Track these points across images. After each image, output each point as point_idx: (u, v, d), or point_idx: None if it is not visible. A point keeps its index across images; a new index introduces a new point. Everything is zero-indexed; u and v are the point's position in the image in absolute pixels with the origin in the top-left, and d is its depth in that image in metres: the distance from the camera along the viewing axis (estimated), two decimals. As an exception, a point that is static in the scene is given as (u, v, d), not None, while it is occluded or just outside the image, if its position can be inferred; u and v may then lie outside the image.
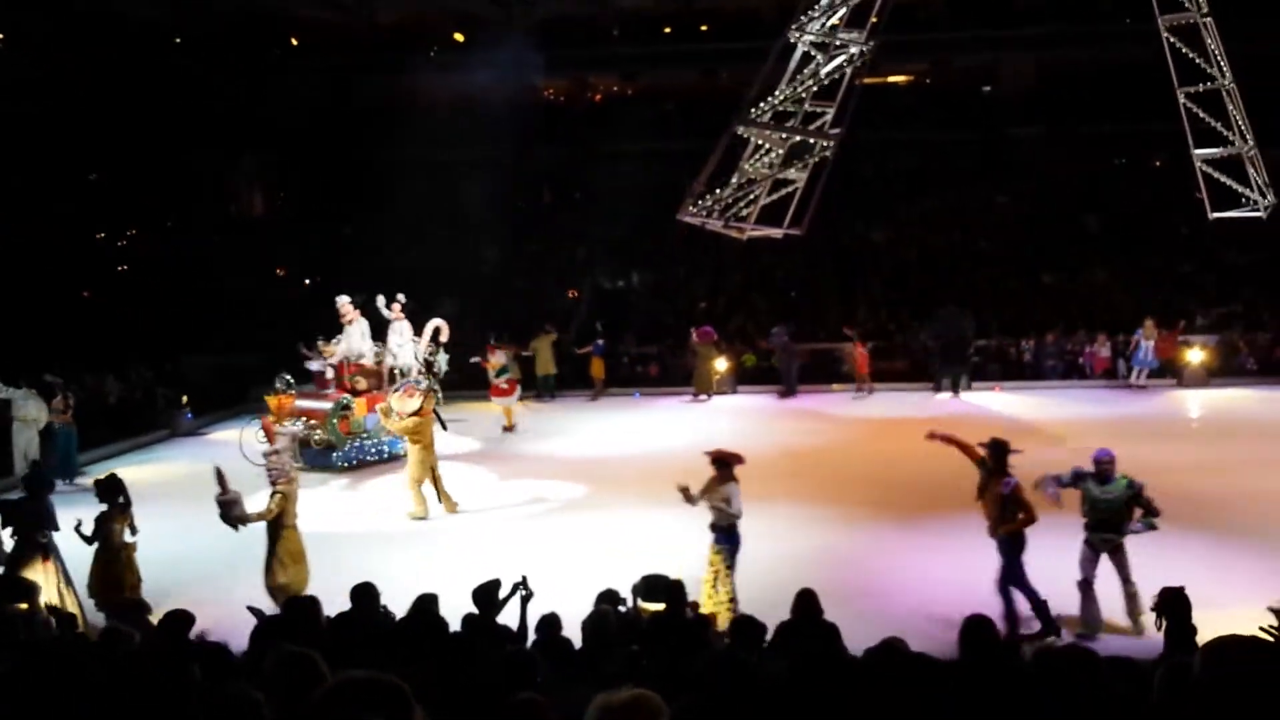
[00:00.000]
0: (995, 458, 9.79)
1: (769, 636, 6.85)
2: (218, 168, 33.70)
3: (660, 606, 7.87)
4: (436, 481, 14.35)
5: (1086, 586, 9.44)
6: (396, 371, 18.35)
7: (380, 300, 18.76)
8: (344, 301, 18.43)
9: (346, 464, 17.50)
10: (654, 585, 8.31)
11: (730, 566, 9.82)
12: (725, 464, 9.97)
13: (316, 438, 17.37)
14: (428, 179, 31.09)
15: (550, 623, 6.97)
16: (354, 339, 18.37)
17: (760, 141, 20.15)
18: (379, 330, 18.73)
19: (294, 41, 37.15)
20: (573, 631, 7.06)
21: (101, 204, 30.36)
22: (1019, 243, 30.00)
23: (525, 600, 7.58)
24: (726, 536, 9.88)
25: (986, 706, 4.53)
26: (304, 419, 17.29)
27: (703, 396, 24.04)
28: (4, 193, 30.53)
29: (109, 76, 27.93)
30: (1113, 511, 9.42)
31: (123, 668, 5.14)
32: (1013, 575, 9.49)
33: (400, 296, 18.87)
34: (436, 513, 14.40)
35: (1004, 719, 4.44)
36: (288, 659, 4.18)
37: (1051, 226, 30.23)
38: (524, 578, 7.65)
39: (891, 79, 35.36)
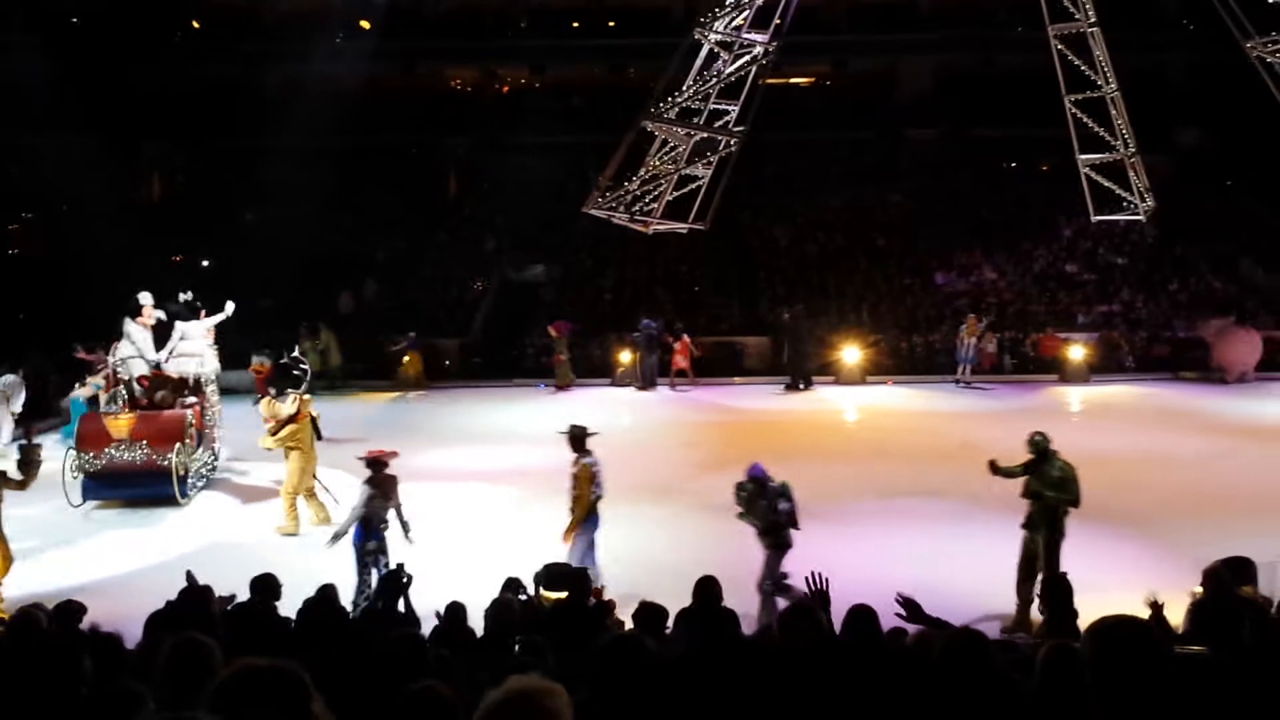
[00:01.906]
0: (574, 442, 10.69)
1: (669, 623, 7.00)
2: (115, 152, 32.57)
3: (562, 595, 7.96)
4: (310, 490, 13.46)
5: (776, 589, 9.84)
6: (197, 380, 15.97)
7: (183, 298, 16.45)
8: (149, 300, 16.02)
9: (195, 489, 15.18)
10: (556, 574, 8.40)
11: (367, 565, 10.20)
12: (379, 463, 10.55)
13: (176, 461, 14.47)
14: (332, 166, 30.60)
15: (454, 611, 7.01)
16: (146, 342, 15.87)
17: (666, 137, 20.37)
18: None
19: (196, 25, 36.16)
20: (473, 620, 7.12)
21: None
22: (913, 241, 30.76)
23: (406, 586, 7.65)
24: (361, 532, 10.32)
25: (872, 691, 4.69)
26: (145, 443, 14.42)
27: (561, 388, 24.46)
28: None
29: (3, 57, 26.79)
30: (762, 518, 10.00)
31: (11, 659, 5.04)
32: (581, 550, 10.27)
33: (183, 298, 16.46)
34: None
35: (889, 704, 4.60)
36: (183, 647, 4.16)
37: (944, 226, 31.08)
38: (400, 565, 7.74)
39: (794, 80, 35.92)
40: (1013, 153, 34.70)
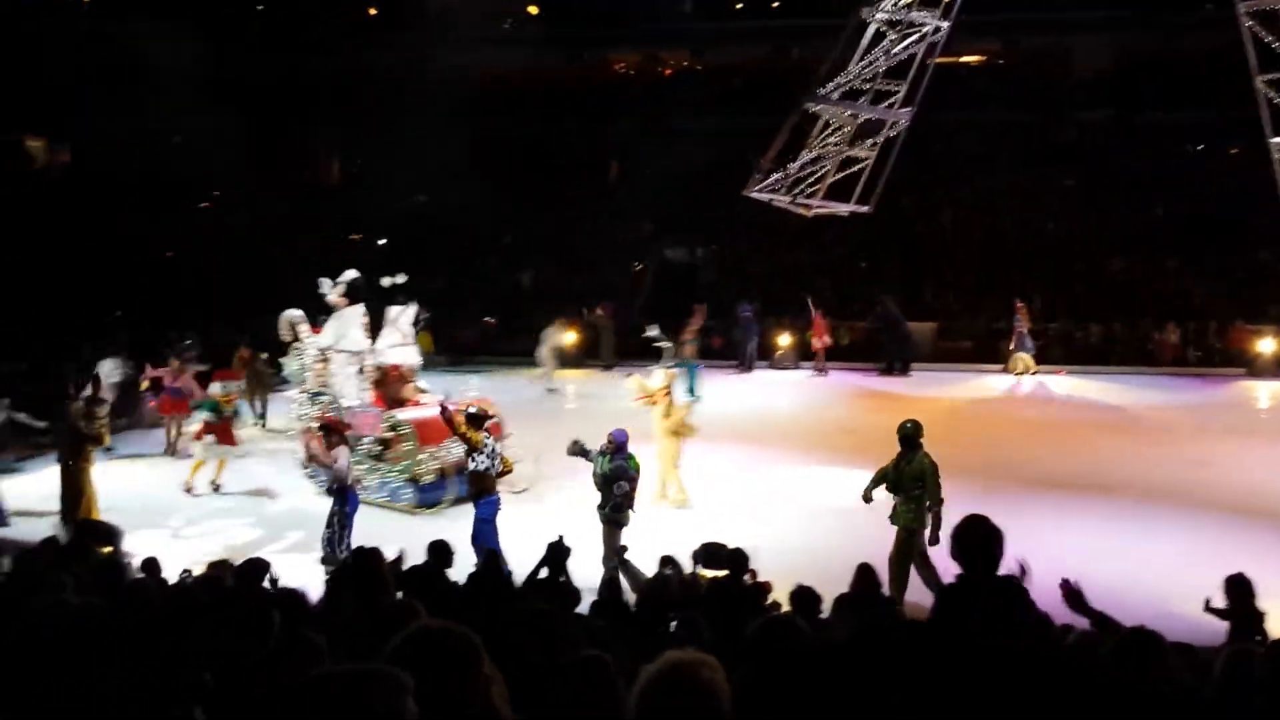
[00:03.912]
0: (472, 421, 10.87)
1: (825, 608, 6.97)
2: (297, 135, 34.21)
3: (719, 573, 8.01)
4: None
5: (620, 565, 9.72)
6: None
7: (390, 282, 14.75)
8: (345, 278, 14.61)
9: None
10: (714, 552, 8.44)
11: (345, 526, 10.56)
12: (333, 430, 11.13)
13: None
14: (497, 151, 31.33)
15: (611, 585, 7.15)
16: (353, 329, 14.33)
17: (830, 119, 20.08)
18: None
19: (372, 11, 37.53)
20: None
21: (182, 167, 31.00)
22: (1087, 227, 29.49)
23: (565, 557, 7.78)
24: (340, 497, 10.71)
25: (1036, 685, 4.57)
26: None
27: (612, 369, 24.38)
28: (90, 153, 31.42)
29: (183, 40, 28.42)
30: (600, 486, 10.37)
31: (211, 612, 5.41)
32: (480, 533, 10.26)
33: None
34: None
35: (1054, 700, 4.48)
36: (395, 608, 4.40)
37: (1122, 212, 29.67)
38: (560, 537, 7.85)
39: (963, 59, 34.79)
40: (1197, 136, 32.79)
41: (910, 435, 9.78)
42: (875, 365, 24.49)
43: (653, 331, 17.24)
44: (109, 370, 16.74)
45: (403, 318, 14.41)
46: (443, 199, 30.53)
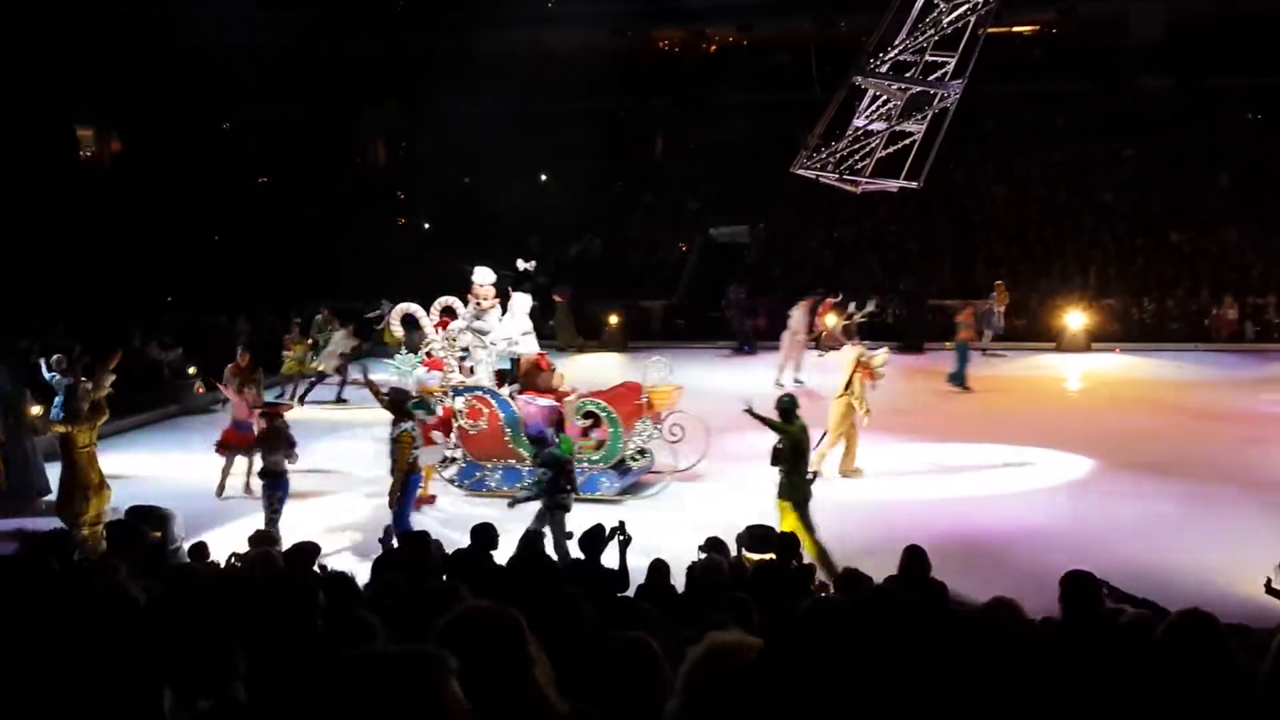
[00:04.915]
0: (393, 407, 11.05)
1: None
2: (344, 119, 34.46)
3: (764, 557, 7.98)
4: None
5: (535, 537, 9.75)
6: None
7: (523, 267, 14.67)
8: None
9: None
10: (760, 536, 8.41)
11: (278, 510, 10.75)
12: (275, 417, 11.15)
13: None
14: (544, 131, 31.34)
15: (658, 569, 7.14)
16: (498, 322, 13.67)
17: (878, 93, 19.79)
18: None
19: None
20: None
21: (233, 152, 31.42)
22: (1146, 199, 28.91)
23: (624, 545, 7.77)
24: (274, 481, 10.87)
25: (1091, 669, 4.50)
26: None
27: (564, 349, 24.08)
28: (142, 139, 31.92)
29: (232, 32, 28.74)
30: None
31: (257, 594, 5.48)
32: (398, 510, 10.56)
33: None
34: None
35: (1105, 678, 4.41)
36: (439, 591, 4.41)
37: (1180, 182, 29.05)
38: (621, 523, 7.84)
39: (1016, 29, 34.16)
40: (1257, 103, 31.99)
41: (787, 409, 10.06)
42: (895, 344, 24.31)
43: (871, 307, 17.38)
44: (338, 341, 16.85)
45: (523, 306, 13.78)
46: (487, 179, 30.66)
